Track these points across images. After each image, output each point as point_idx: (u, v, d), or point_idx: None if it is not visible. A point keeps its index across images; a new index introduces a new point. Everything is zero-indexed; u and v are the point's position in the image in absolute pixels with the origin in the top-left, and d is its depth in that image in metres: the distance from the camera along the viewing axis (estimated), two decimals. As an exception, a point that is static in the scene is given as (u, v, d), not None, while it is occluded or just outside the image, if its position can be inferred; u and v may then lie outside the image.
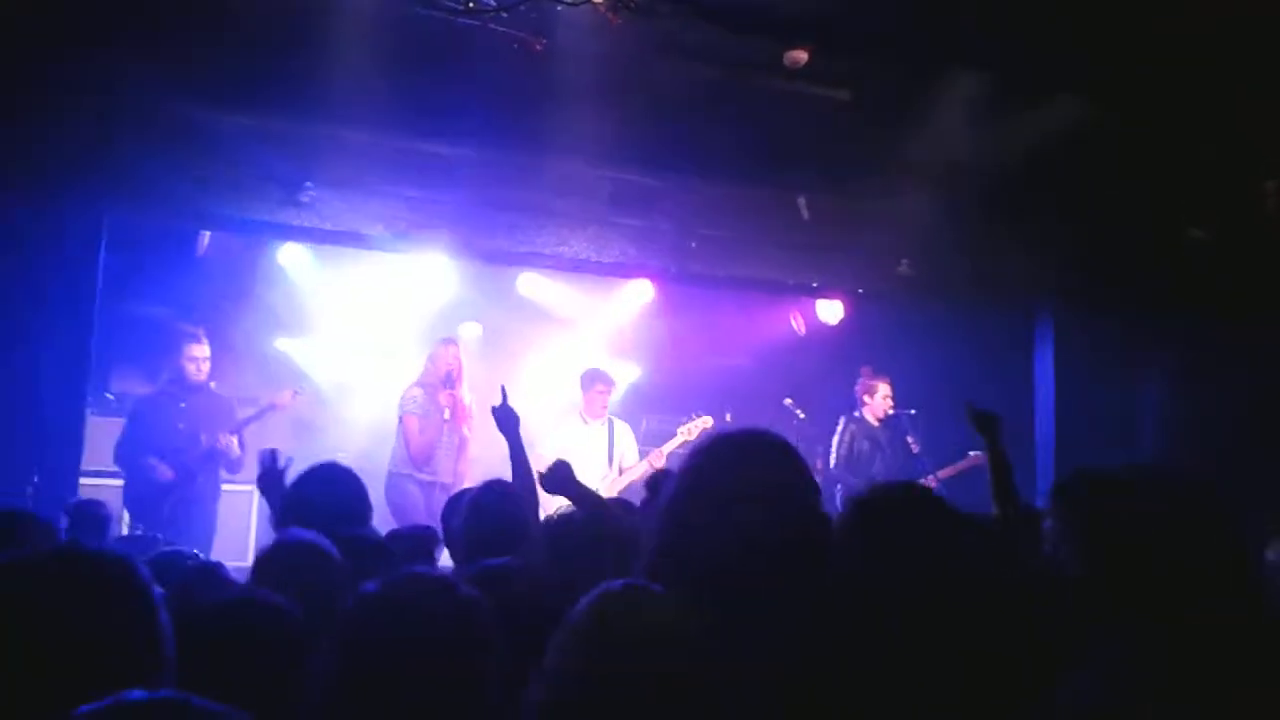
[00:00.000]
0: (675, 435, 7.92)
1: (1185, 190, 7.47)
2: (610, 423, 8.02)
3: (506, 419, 4.59)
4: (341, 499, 3.88)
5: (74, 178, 6.31)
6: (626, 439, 8.06)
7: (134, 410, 7.43)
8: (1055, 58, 6.29)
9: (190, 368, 7.27)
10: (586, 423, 7.99)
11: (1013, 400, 8.27)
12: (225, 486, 7.59)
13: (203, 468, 7.27)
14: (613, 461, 7.88)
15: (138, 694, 1.32)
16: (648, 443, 8.29)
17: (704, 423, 7.90)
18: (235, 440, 7.30)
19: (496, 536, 3.61)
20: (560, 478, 4.25)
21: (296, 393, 7.84)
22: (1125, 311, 8.08)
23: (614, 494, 7.46)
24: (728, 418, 8.04)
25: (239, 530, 7.98)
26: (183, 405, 7.29)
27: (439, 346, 7.71)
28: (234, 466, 7.41)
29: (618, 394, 9.46)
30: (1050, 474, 7.74)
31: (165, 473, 7.07)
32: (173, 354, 7.40)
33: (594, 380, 8.05)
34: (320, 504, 3.73)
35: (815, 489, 2.31)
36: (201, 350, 7.32)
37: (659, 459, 7.69)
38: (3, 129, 5.96)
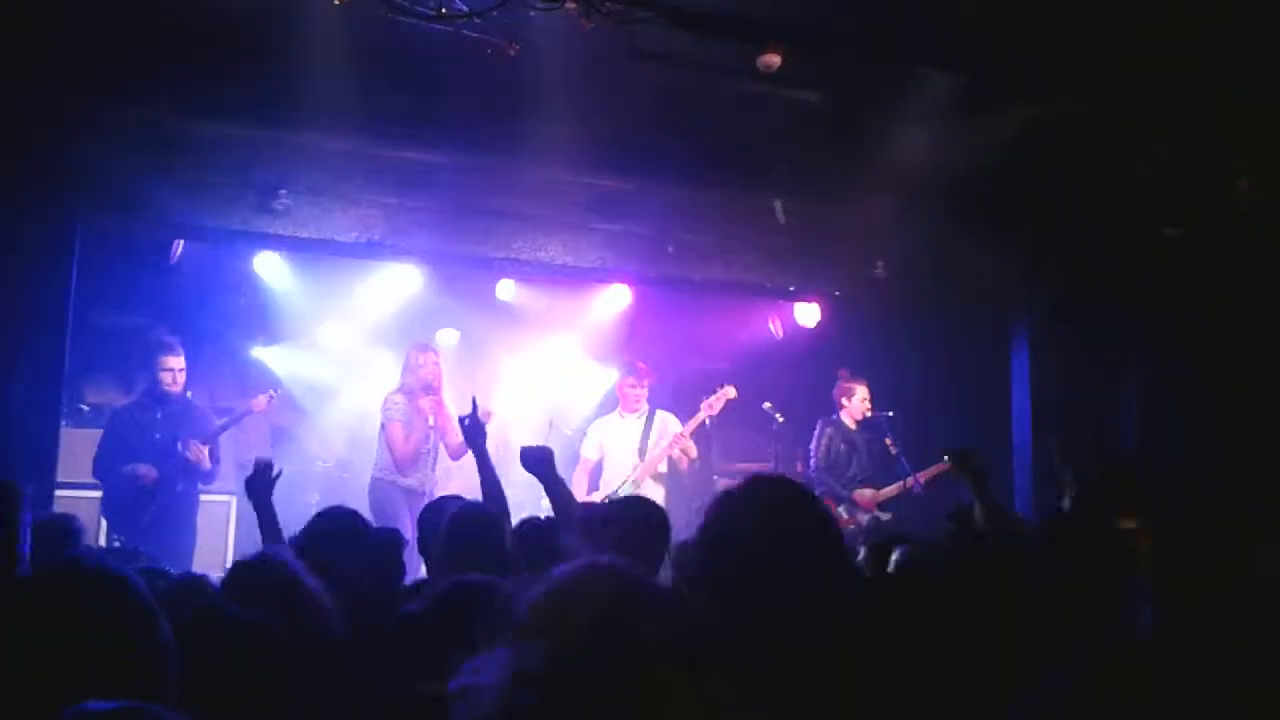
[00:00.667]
0: (699, 412, 7.82)
1: (1161, 191, 7.50)
2: (650, 416, 7.97)
3: (475, 432, 4.63)
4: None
5: (46, 185, 6.26)
6: (664, 432, 7.93)
7: (110, 422, 7.38)
8: (1031, 60, 6.31)
9: (166, 378, 7.22)
10: (622, 417, 8.00)
11: (990, 401, 8.31)
12: (203, 497, 7.56)
13: (181, 477, 7.23)
14: (644, 454, 7.82)
15: (100, 704, 1.31)
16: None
17: (727, 393, 7.81)
18: (205, 451, 7.25)
19: (475, 559, 3.59)
20: (538, 460, 4.34)
21: (272, 396, 7.81)
22: (1102, 312, 8.11)
23: (642, 482, 7.64)
24: (706, 423, 8.03)
25: (217, 540, 7.95)
26: (159, 415, 7.24)
27: (415, 354, 7.66)
28: (207, 477, 7.37)
29: (594, 397, 9.48)
30: (1027, 475, 7.77)
31: (148, 473, 7.03)
32: (148, 364, 7.36)
33: (625, 375, 8.10)
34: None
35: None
36: (177, 361, 7.27)
37: (683, 440, 7.70)
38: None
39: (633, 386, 7.97)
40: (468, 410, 4.71)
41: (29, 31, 5.70)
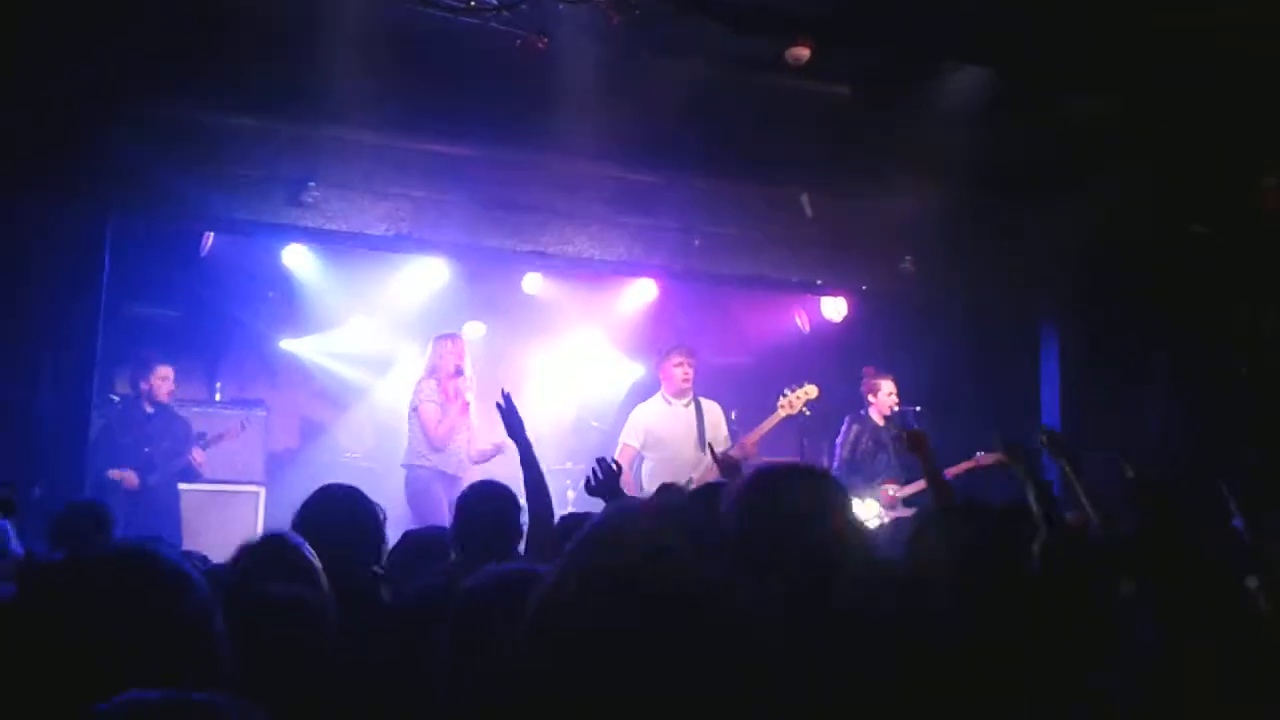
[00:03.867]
0: (776, 411, 7.22)
1: (1188, 187, 7.45)
2: (697, 402, 7.37)
3: (513, 419, 4.51)
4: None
5: (79, 179, 6.33)
6: (716, 420, 7.42)
7: (105, 423, 7.48)
8: (1057, 56, 6.27)
9: (161, 386, 7.48)
10: (670, 404, 7.35)
11: (1018, 395, 8.28)
12: (229, 488, 7.71)
13: (162, 481, 7.41)
14: (704, 445, 7.12)
15: (149, 694, 1.33)
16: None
17: (808, 393, 7.25)
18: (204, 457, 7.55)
19: (488, 538, 3.57)
20: (607, 483, 4.23)
21: (243, 425, 7.90)
22: (1130, 308, 8.06)
23: (709, 480, 7.19)
24: (733, 415, 8.00)
25: (245, 531, 8.00)
26: (145, 429, 7.41)
27: (442, 342, 7.66)
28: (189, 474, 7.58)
29: (621, 390, 9.47)
30: (1054, 469, 7.70)
31: (130, 480, 7.17)
32: (140, 375, 7.52)
33: (670, 353, 7.40)
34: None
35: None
36: (169, 370, 7.53)
37: (754, 440, 7.15)
38: (7, 131, 5.98)
39: (679, 365, 7.29)
40: (496, 406, 4.57)
41: (61, 27, 5.76)
